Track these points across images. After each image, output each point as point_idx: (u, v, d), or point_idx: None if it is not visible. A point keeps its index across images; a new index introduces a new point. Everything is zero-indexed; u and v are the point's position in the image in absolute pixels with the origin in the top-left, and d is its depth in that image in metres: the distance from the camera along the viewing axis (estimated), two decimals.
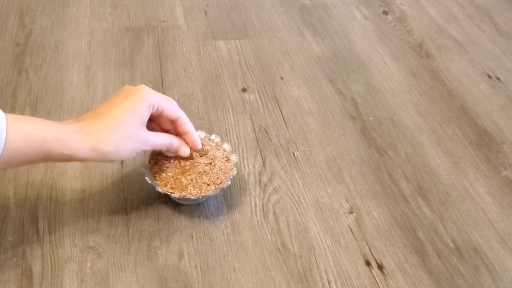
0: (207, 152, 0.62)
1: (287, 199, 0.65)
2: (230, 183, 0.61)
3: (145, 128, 0.56)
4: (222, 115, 0.75)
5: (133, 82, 0.78)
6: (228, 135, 0.72)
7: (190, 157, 0.62)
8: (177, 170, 0.60)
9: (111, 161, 0.56)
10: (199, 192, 0.59)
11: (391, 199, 0.66)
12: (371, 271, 0.58)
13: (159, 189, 0.58)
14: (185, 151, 0.60)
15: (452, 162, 0.72)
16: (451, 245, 0.62)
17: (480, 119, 0.80)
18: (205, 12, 0.96)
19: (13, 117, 0.49)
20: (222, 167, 0.61)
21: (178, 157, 0.61)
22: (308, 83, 0.83)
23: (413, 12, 1.03)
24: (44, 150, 0.50)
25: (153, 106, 0.56)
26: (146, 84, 0.78)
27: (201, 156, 0.62)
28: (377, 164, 0.71)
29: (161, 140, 0.58)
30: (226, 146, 0.65)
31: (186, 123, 0.60)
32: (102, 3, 0.95)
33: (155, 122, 0.60)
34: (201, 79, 0.81)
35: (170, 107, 0.58)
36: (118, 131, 0.53)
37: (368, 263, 0.59)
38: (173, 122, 0.60)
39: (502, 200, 0.68)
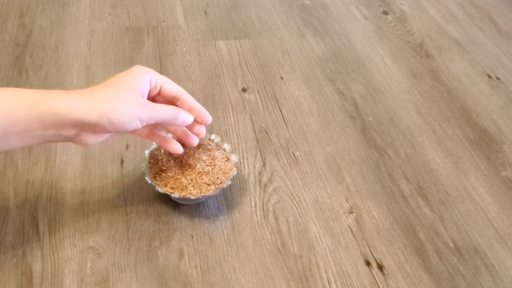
0: (211, 151, 0.62)
1: (287, 199, 0.65)
2: (230, 183, 0.61)
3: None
4: (222, 115, 0.75)
5: None
6: (228, 135, 0.72)
7: (191, 157, 0.62)
8: (177, 170, 0.61)
9: (111, 126, 0.50)
10: (199, 192, 0.59)
11: (391, 199, 0.66)
12: (371, 271, 0.58)
13: (159, 189, 0.58)
14: (189, 117, 0.56)
15: (452, 162, 0.72)
16: (451, 245, 0.62)
17: (480, 119, 0.80)
18: (205, 12, 0.96)
19: None
20: (222, 167, 0.61)
21: (178, 158, 0.62)
22: (308, 83, 0.83)
23: (413, 12, 1.03)
24: (36, 112, 0.46)
25: (151, 81, 0.53)
26: None
27: (205, 156, 0.61)
28: (377, 164, 0.71)
29: (166, 108, 0.54)
30: (226, 146, 0.65)
31: (189, 99, 0.57)
32: (102, 3, 0.95)
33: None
34: (201, 79, 0.81)
35: (169, 84, 0.55)
36: (120, 94, 0.50)
37: (368, 263, 0.59)
38: (173, 101, 0.57)
39: (502, 200, 0.68)
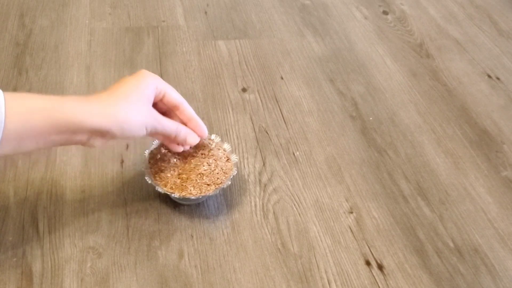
0: (211, 150, 0.62)
1: (287, 199, 0.65)
2: (230, 183, 0.61)
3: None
4: (222, 115, 0.75)
5: None
6: (228, 135, 0.72)
7: (191, 157, 0.62)
8: (177, 170, 0.61)
9: (122, 133, 0.51)
10: (199, 192, 0.59)
11: (391, 199, 0.66)
12: (371, 271, 0.58)
13: (159, 189, 0.58)
14: (194, 138, 0.59)
15: (452, 162, 0.72)
16: (451, 245, 0.62)
17: (480, 119, 0.80)
18: (205, 12, 0.96)
19: (11, 94, 0.47)
20: (222, 167, 0.61)
21: (178, 157, 0.62)
22: (308, 83, 0.83)
23: (413, 12, 1.03)
24: (53, 119, 0.47)
25: (157, 88, 0.55)
26: None
27: (205, 156, 0.62)
28: (377, 164, 0.71)
29: (170, 123, 0.56)
30: (226, 146, 0.65)
31: (188, 109, 0.58)
32: (102, 3, 0.95)
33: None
34: (201, 79, 0.81)
35: (172, 92, 0.57)
36: (131, 103, 0.52)
37: (368, 263, 0.59)
38: (173, 109, 0.58)
39: (502, 200, 0.68)
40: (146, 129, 0.53)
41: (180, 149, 0.59)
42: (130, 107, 0.52)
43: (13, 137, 0.46)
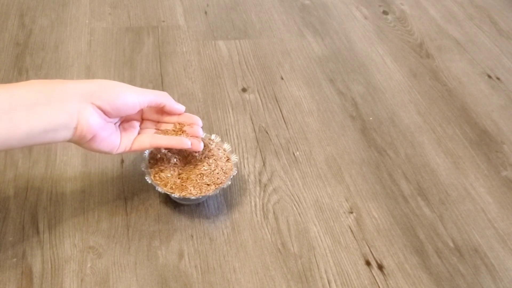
0: (211, 150, 0.62)
1: (287, 199, 0.65)
2: (230, 183, 0.61)
3: None
4: (222, 115, 0.75)
5: (133, 82, 0.78)
6: (228, 135, 0.72)
7: (191, 157, 0.62)
8: (177, 170, 0.61)
9: (111, 100, 0.53)
10: (199, 192, 0.59)
11: (391, 199, 0.66)
12: (371, 271, 0.58)
13: (159, 189, 0.58)
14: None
15: (452, 162, 0.72)
16: (451, 245, 0.62)
17: (480, 119, 0.80)
18: (205, 12, 0.96)
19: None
20: (222, 167, 0.61)
21: (178, 157, 0.62)
22: (308, 83, 0.83)
23: (413, 12, 1.03)
24: (41, 85, 0.49)
25: (141, 102, 0.57)
26: (146, 84, 0.79)
27: (205, 156, 0.62)
28: (377, 164, 0.71)
29: (156, 91, 0.58)
30: (226, 146, 0.65)
31: (175, 106, 0.60)
32: (102, 3, 0.95)
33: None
34: (201, 79, 0.81)
35: (158, 98, 0.59)
36: (114, 82, 0.54)
37: (368, 263, 0.59)
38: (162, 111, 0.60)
39: (502, 200, 0.68)
40: (138, 102, 0.55)
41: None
42: (117, 83, 0.54)
43: (4, 110, 0.46)
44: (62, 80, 0.51)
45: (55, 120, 0.49)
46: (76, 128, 0.51)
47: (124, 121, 0.59)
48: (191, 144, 0.59)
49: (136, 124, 0.60)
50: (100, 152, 0.55)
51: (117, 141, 0.56)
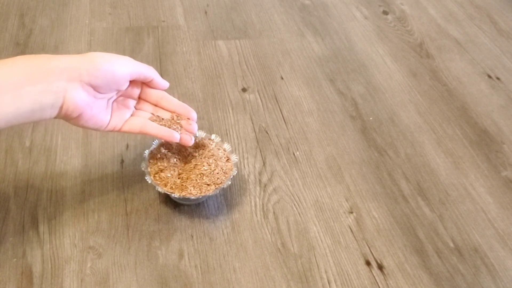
0: (211, 150, 0.62)
1: (287, 199, 0.65)
2: (230, 183, 0.61)
3: None
4: (222, 115, 0.75)
5: None
6: (228, 135, 0.72)
7: (191, 157, 0.62)
8: (177, 170, 0.61)
9: (98, 72, 0.52)
10: (199, 192, 0.59)
11: (391, 199, 0.66)
12: (371, 271, 0.58)
13: (159, 189, 0.58)
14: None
15: (452, 162, 0.72)
16: (451, 245, 0.62)
17: (480, 119, 0.80)
18: (205, 12, 0.96)
19: None
20: (222, 167, 0.61)
21: (178, 157, 0.62)
22: (308, 83, 0.83)
23: (413, 12, 1.03)
24: (27, 62, 0.48)
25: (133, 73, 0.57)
26: None
27: (205, 156, 0.61)
28: (377, 164, 0.71)
29: (145, 64, 0.59)
30: (226, 146, 0.65)
31: (171, 97, 0.60)
32: (102, 3, 0.95)
33: None
34: (201, 79, 0.81)
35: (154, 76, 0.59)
36: (102, 53, 0.54)
37: (368, 263, 0.59)
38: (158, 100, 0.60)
39: (502, 200, 0.68)
40: (127, 72, 0.54)
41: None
42: (107, 54, 0.54)
43: None
44: (49, 56, 0.50)
45: (42, 100, 0.49)
46: (61, 107, 0.50)
47: (119, 98, 0.58)
48: (181, 138, 0.58)
49: (131, 103, 0.59)
50: (88, 128, 0.54)
51: (106, 119, 0.55)
